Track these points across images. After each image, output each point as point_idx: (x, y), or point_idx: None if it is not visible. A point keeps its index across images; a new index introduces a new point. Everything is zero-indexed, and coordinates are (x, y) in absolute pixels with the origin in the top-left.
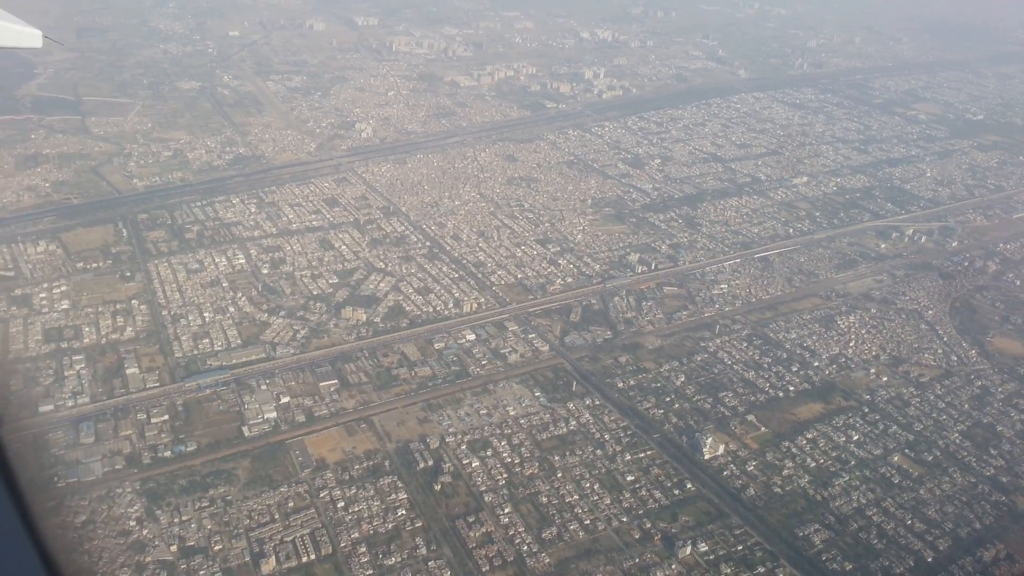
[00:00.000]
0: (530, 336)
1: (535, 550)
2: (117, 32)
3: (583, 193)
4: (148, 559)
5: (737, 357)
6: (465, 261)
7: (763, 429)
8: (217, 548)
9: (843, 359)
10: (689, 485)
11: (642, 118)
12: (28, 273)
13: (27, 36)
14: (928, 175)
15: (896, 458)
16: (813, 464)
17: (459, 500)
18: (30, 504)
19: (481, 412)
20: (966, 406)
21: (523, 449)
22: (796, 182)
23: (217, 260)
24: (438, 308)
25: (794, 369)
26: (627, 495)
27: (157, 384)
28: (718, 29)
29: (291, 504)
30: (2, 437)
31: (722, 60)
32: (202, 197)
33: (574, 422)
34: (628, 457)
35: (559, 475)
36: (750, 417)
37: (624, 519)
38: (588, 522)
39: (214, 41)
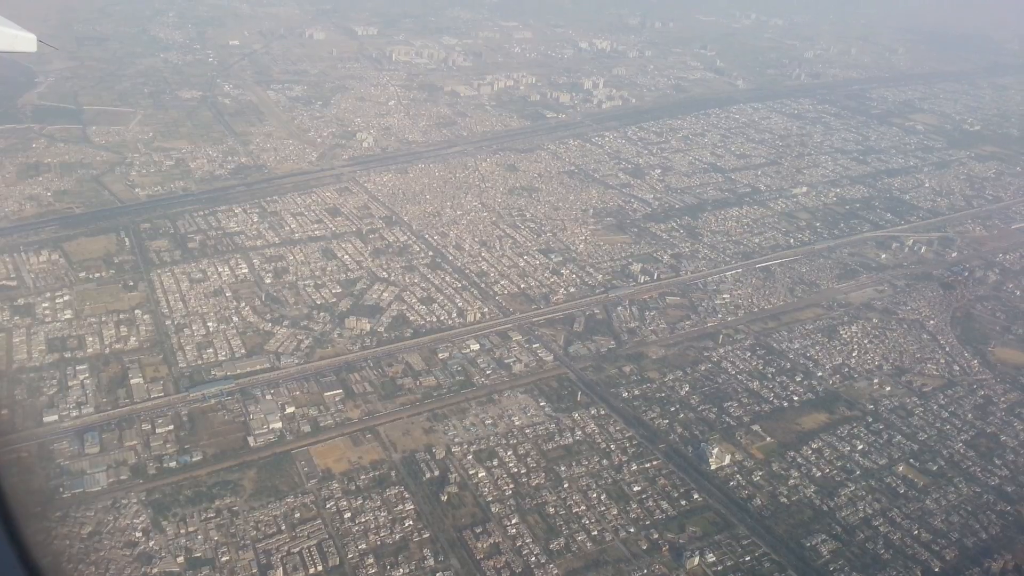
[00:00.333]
0: (534, 346)
1: (543, 561)
2: (117, 41)
3: (584, 203)
4: (155, 571)
5: (741, 367)
6: (468, 271)
7: (768, 439)
8: (224, 559)
9: (846, 369)
10: (696, 495)
11: (642, 128)
12: (30, 283)
13: (22, 40)
14: (927, 185)
15: (901, 468)
16: (819, 474)
17: (466, 511)
18: (14, 513)
19: (486, 422)
20: (969, 416)
21: (529, 459)
22: (796, 192)
23: (220, 270)
24: (442, 318)
25: (798, 379)
26: (634, 505)
27: (161, 394)
28: (715, 40)
29: (297, 515)
30: None
31: (720, 71)
32: (204, 206)
33: (579, 432)
34: (634, 467)
35: (566, 485)
36: (755, 427)
37: (631, 530)
38: (596, 533)
39: (214, 50)
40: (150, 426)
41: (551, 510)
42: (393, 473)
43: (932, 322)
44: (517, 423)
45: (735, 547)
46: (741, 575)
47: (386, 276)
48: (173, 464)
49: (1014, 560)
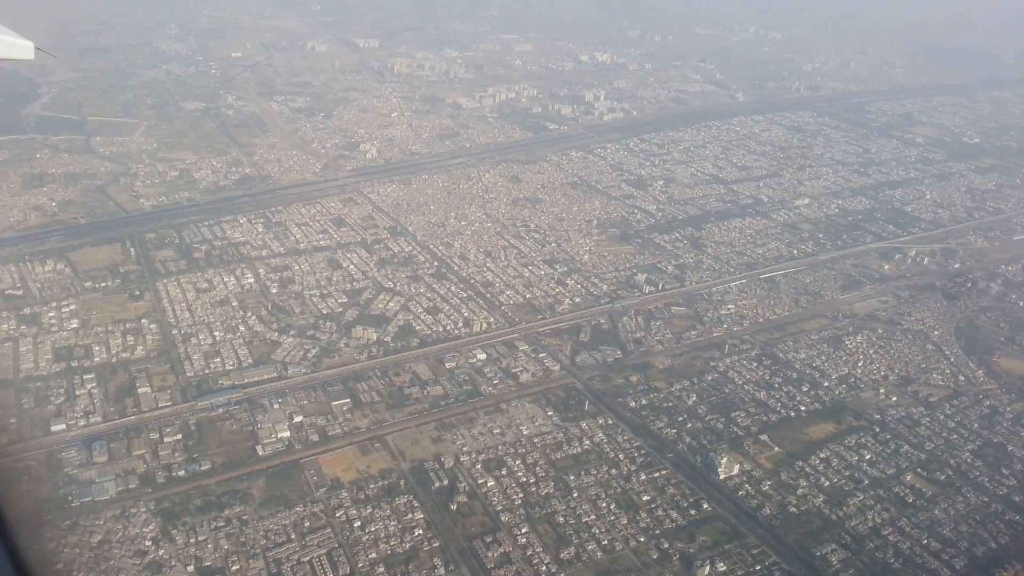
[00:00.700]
0: (541, 355)
1: (554, 571)
2: (119, 52)
3: (588, 214)
4: None
5: (747, 377)
6: (473, 281)
7: (776, 449)
8: (235, 568)
9: (852, 379)
10: (705, 505)
11: (643, 140)
12: (36, 292)
13: (19, 48)
14: (928, 197)
15: (909, 477)
16: (827, 483)
17: (475, 520)
18: (9, 521)
19: (494, 431)
20: (976, 426)
21: (538, 468)
22: (798, 204)
23: (226, 279)
24: (448, 328)
25: (804, 389)
26: (644, 515)
27: (169, 403)
28: (714, 53)
29: (307, 524)
30: None
31: (720, 83)
32: (209, 217)
33: (588, 441)
34: (643, 477)
35: (575, 495)
36: (763, 437)
37: (642, 539)
38: (606, 542)
39: (217, 62)
40: (158, 435)
41: (561, 519)
42: (402, 482)
43: (936, 332)
44: (525, 432)
45: (745, 556)
46: None
47: (392, 286)
48: (182, 473)
49: None
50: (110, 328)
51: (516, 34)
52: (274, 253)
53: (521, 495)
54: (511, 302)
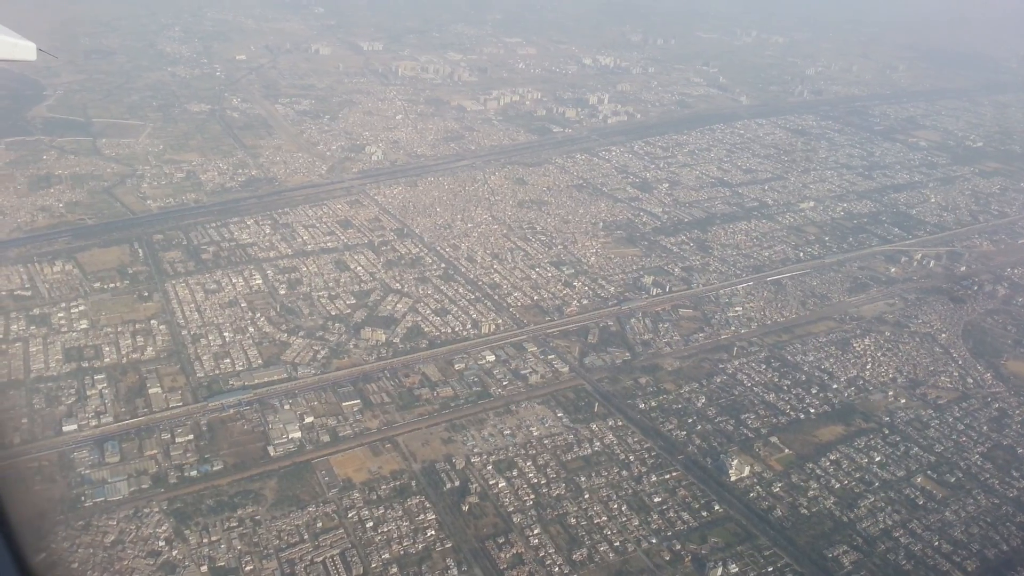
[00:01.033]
0: (549, 357)
1: (566, 572)
2: (124, 55)
3: (594, 216)
4: None
5: (756, 379)
6: (481, 283)
7: (786, 451)
8: (248, 569)
9: (861, 381)
10: (717, 506)
11: (648, 143)
12: (45, 293)
13: (21, 49)
14: (932, 201)
15: (919, 479)
16: (838, 485)
17: (487, 521)
18: (14, 525)
19: (505, 432)
20: (985, 428)
21: (549, 470)
22: (803, 207)
23: (234, 280)
24: (456, 329)
25: (813, 391)
26: (655, 516)
27: (180, 404)
28: (717, 57)
29: (320, 524)
30: None
31: (723, 87)
32: (216, 218)
33: (598, 443)
34: (654, 478)
35: (586, 496)
36: (773, 439)
37: (653, 540)
38: (618, 544)
39: (221, 64)
40: (170, 435)
41: (572, 520)
42: (413, 483)
43: (944, 335)
44: (535, 434)
45: (757, 558)
46: None
47: (399, 288)
48: (194, 473)
49: None
50: (119, 329)
51: (519, 37)
52: (282, 255)
53: (532, 496)
54: (519, 304)
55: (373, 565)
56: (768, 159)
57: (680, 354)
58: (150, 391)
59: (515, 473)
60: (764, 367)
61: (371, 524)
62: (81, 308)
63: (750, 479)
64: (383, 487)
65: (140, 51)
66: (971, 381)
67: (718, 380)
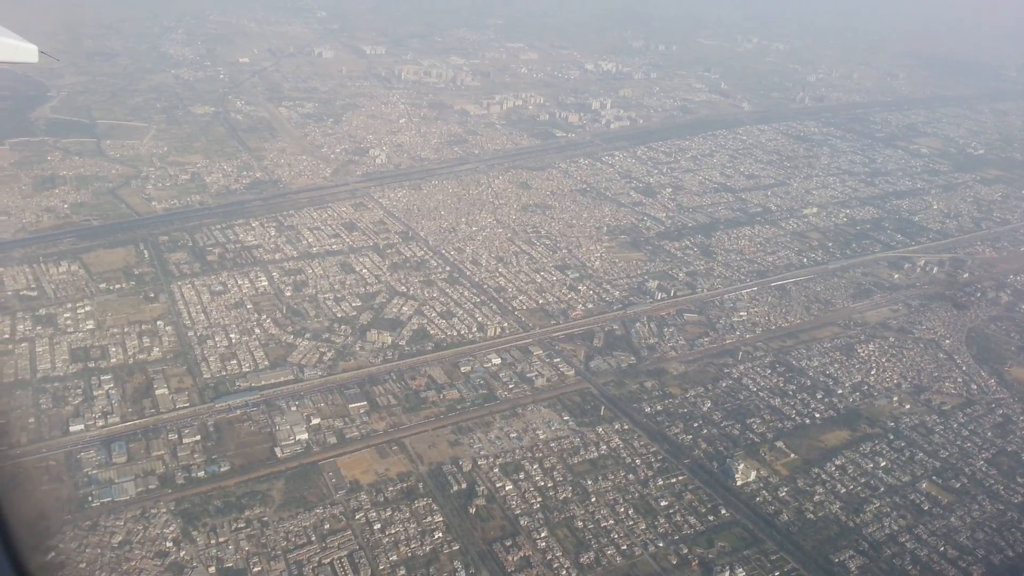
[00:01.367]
0: (555, 360)
1: (574, 575)
2: (127, 57)
3: (598, 220)
4: None
5: (762, 384)
6: (486, 286)
7: (792, 456)
8: (256, 570)
9: (865, 387)
10: (723, 511)
11: (651, 148)
12: (51, 293)
13: (23, 51)
14: (935, 207)
15: (924, 485)
16: (843, 490)
17: (495, 523)
18: (11, 525)
19: (511, 435)
20: (989, 434)
21: (555, 473)
22: (806, 212)
23: (240, 282)
24: (462, 332)
25: (818, 396)
26: (662, 520)
27: (187, 404)
28: (719, 63)
29: (327, 526)
30: None
31: (725, 93)
32: (221, 220)
33: (604, 446)
34: (660, 482)
35: (593, 499)
36: (779, 443)
37: (660, 544)
38: (625, 547)
39: (224, 67)
40: (177, 436)
41: (579, 524)
42: (421, 485)
43: (948, 341)
44: (542, 437)
45: (764, 562)
46: None
47: (405, 290)
48: (201, 474)
49: None
50: (126, 329)
51: (521, 42)
52: (287, 257)
53: (539, 499)
54: (524, 307)
55: (381, 567)
56: (771, 165)
57: (685, 358)
58: (157, 392)
59: (522, 476)
60: (769, 372)
61: (379, 526)
62: (87, 308)
63: (756, 484)
64: (390, 489)
65: (143, 53)
66: (975, 387)
67: (724, 385)
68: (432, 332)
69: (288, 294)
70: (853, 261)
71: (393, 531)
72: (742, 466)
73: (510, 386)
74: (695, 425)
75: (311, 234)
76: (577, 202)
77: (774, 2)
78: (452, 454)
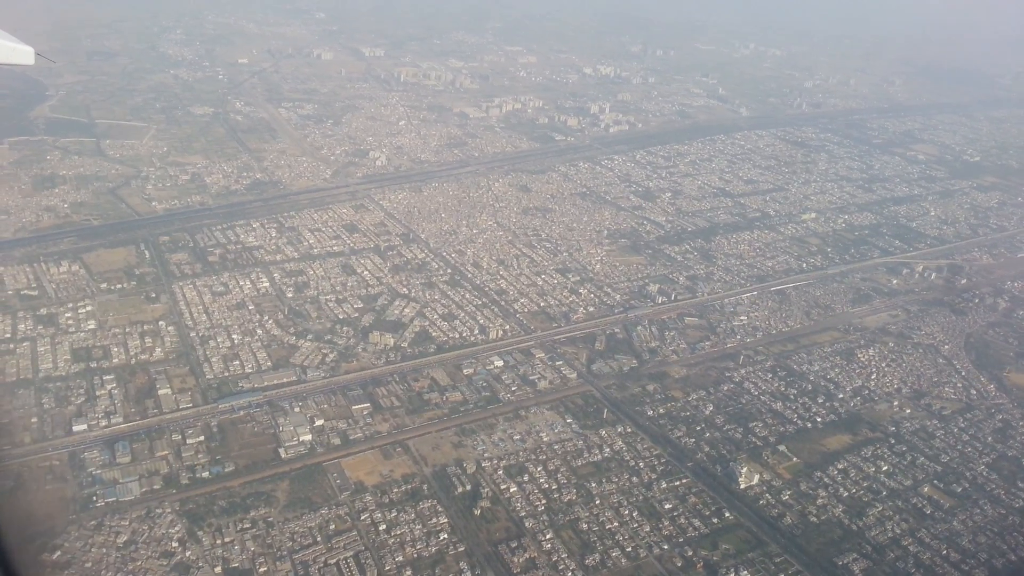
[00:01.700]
0: (557, 363)
1: None
2: (126, 56)
3: (598, 224)
4: None
5: (763, 388)
6: (487, 288)
7: (794, 459)
8: (262, 570)
9: (866, 391)
10: (727, 513)
11: (649, 152)
12: (52, 292)
13: (19, 53)
14: (932, 214)
15: (926, 489)
16: (846, 494)
17: (500, 525)
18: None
19: (515, 438)
20: (989, 439)
21: (559, 475)
22: (805, 218)
23: (241, 283)
24: (464, 334)
25: (820, 400)
26: (666, 523)
27: (190, 405)
28: (716, 68)
29: (332, 526)
30: None
31: (723, 98)
32: (222, 221)
33: (607, 449)
34: (664, 485)
35: (597, 502)
36: (781, 447)
37: (665, 547)
38: (630, 549)
39: (224, 68)
40: (180, 436)
41: (584, 526)
42: (425, 487)
43: (947, 347)
44: (545, 439)
45: (768, 565)
46: None
47: (406, 292)
48: (206, 475)
49: None
50: (127, 329)
51: (519, 46)
52: (288, 258)
53: (544, 501)
54: (525, 310)
55: (387, 567)
56: (769, 170)
57: (687, 362)
58: (160, 392)
59: (526, 478)
60: (770, 376)
61: (384, 527)
62: (88, 308)
63: (759, 487)
64: (395, 490)
65: (142, 53)
66: (974, 392)
67: (725, 388)
68: (434, 334)
69: (290, 295)
70: (852, 266)
71: (398, 532)
72: (745, 469)
73: (513, 388)
74: (698, 428)
75: (312, 235)
76: (577, 206)
77: (770, 9)
78: (456, 456)
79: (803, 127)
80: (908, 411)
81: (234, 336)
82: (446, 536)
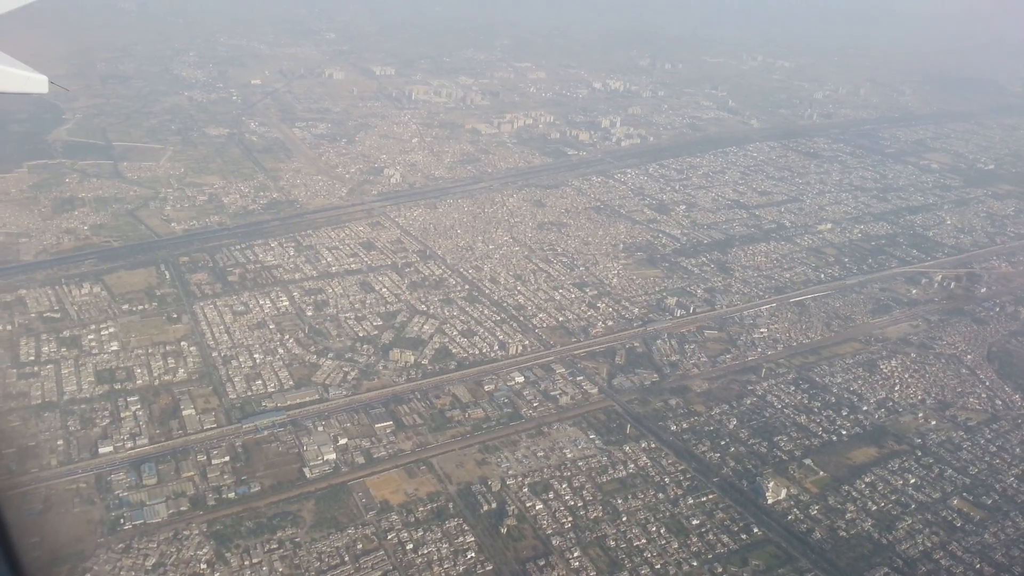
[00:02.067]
0: (578, 378)
1: None
2: (140, 79)
3: (613, 238)
4: None
5: (786, 401)
6: (505, 304)
7: (821, 473)
8: None
9: (890, 403)
10: (755, 529)
11: (662, 165)
12: (75, 314)
13: (33, 82)
14: (948, 223)
15: (955, 501)
16: (875, 508)
17: (527, 543)
18: (14, 541)
19: (538, 454)
20: (1017, 450)
21: (585, 492)
22: (821, 229)
23: (261, 302)
24: (484, 350)
25: (844, 413)
26: (694, 539)
27: (214, 425)
28: (725, 80)
29: (360, 546)
30: None
31: (733, 110)
32: (240, 241)
33: (632, 465)
34: (691, 501)
35: (624, 518)
36: (807, 461)
37: (694, 563)
38: (659, 566)
39: (237, 89)
40: (206, 457)
41: (611, 543)
42: (451, 505)
43: (969, 356)
44: (569, 455)
45: None
46: None
47: (425, 309)
48: (232, 495)
49: None
50: (150, 350)
51: (528, 62)
52: (307, 276)
53: (570, 519)
54: (544, 325)
55: None
56: (782, 181)
57: (708, 375)
58: (184, 413)
59: (551, 495)
60: (793, 389)
61: (411, 546)
62: (111, 330)
63: (787, 502)
64: (420, 509)
65: (156, 76)
66: (1000, 403)
67: (748, 402)
68: (454, 350)
69: (309, 314)
70: (870, 277)
71: (426, 551)
72: (772, 484)
73: (534, 404)
74: (722, 443)
75: (329, 253)
76: (592, 220)
77: (774, 22)
78: (480, 473)
79: (815, 138)
80: (933, 423)
81: (256, 355)
82: (473, 555)
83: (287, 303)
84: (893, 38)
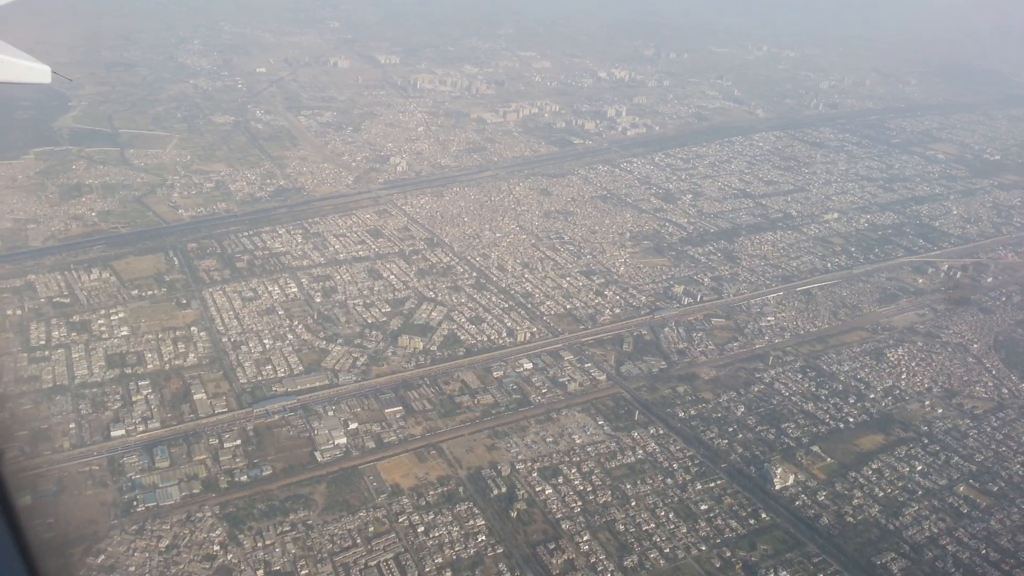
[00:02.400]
0: (586, 365)
1: None
2: (146, 67)
3: (620, 226)
4: None
5: (794, 388)
6: (513, 291)
7: (828, 460)
8: (304, 573)
9: (897, 391)
10: (763, 514)
11: (668, 155)
12: (84, 300)
13: (36, 72)
14: (954, 212)
15: (962, 488)
16: (881, 494)
17: (536, 527)
18: (25, 531)
19: (547, 440)
20: (1023, 438)
21: (594, 477)
22: (827, 218)
23: (270, 288)
24: (492, 337)
25: (851, 401)
26: (703, 524)
27: (225, 409)
28: (730, 70)
29: (371, 529)
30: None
31: (739, 100)
32: (248, 227)
33: (640, 451)
34: (699, 486)
35: (633, 503)
36: (814, 448)
37: (703, 548)
38: (668, 550)
39: (242, 77)
40: (217, 441)
41: (621, 527)
42: (461, 489)
43: (976, 345)
44: (578, 441)
45: (807, 565)
46: None
47: (433, 296)
48: (244, 478)
49: None
50: (160, 335)
51: (533, 51)
52: (315, 263)
53: (580, 503)
54: (552, 312)
55: (427, 569)
56: (788, 171)
57: (716, 363)
58: (195, 397)
59: (560, 480)
60: (800, 376)
61: (422, 529)
62: (120, 315)
63: (795, 488)
64: (431, 493)
65: (161, 64)
66: (1006, 391)
67: (756, 389)
68: (462, 337)
69: (318, 300)
70: (877, 266)
71: (437, 534)
72: (780, 470)
73: (543, 391)
74: (730, 430)
75: (337, 241)
76: (598, 208)
77: (779, 12)
78: (490, 458)
79: (821, 128)
80: (940, 410)
81: (265, 341)
82: (484, 538)
83: (295, 289)
84: (899, 28)
